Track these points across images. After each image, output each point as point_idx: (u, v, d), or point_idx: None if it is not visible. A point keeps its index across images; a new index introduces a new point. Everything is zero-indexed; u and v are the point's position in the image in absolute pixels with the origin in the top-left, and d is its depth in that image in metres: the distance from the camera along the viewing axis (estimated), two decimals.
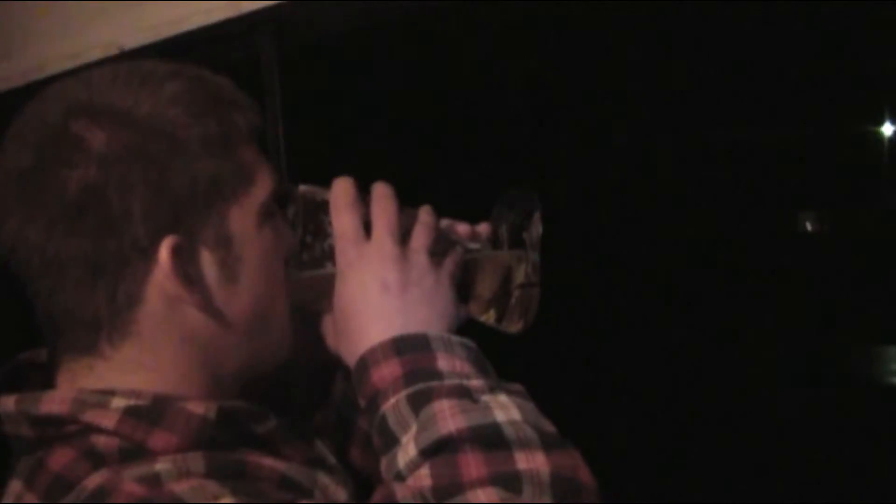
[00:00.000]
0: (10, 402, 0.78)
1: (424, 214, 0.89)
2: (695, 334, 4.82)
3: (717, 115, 4.80)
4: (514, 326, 0.93)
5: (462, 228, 0.93)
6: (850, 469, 3.93)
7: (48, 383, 0.82)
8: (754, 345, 4.88)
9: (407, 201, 0.89)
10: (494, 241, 0.94)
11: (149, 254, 0.76)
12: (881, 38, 3.91)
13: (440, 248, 0.88)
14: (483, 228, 0.94)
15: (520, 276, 0.93)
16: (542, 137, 4.13)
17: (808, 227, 5.36)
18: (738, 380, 4.68)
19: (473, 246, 0.93)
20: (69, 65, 1.90)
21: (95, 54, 1.88)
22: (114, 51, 1.87)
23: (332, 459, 0.86)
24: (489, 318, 0.94)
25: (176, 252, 0.76)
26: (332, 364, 0.93)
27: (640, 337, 4.73)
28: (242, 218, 0.80)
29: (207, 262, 0.79)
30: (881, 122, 4.86)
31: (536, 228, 0.92)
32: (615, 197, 4.75)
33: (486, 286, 0.94)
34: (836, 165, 4.90)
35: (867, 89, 4.59)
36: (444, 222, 0.92)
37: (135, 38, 1.86)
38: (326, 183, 0.89)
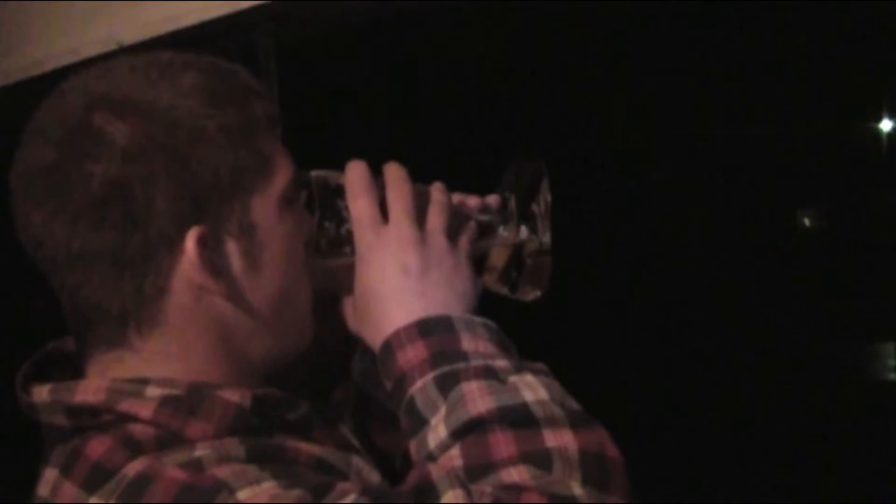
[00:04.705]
0: (43, 392, 0.79)
1: (437, 193, 0.89)
2: (690, 330, 4.83)
3: (714, 112, 4.80)
4: (529, 296, 0.94)
5: (472, 202, 0.93)
6: (848, 466, 3.94)
7: (77, 373, 0.82)
8: (750, 341, 4.89)
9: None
10: (504, 212, 0.94)
11: (174, 245, 0.77)
12: (879, 33, 3.92)
13: (455, 225, 0.88)
14: (492, 200, 0.94)
15: (532, 244, 0.94)
16: (541, 132, 4.13)
17: (807, 223, 5.37)
18: (734, 376, 4.69)
19: (484, 218, 0.93)
20: (68, 60, 1.91)
21: (94, 50, 1.89)
22: (113, 46, 1.87)
23: (356, 443, 0.87)
24: (504, 288, 0.95)
25: (201, 242, 0.77)
26: (351, 344, 0.94)
27: (636, 332, 4.74)
28: (264, 206, 0.81)
29: (232, 251, 0.80)
30: (879, 119, 4.86)
31: (545, 195, 0.93)
32: (611, 193, 4.75)
33: (499, 257, 0.95)
34: (834, 162, 4.91)
35: (865, 85, 4.59)
36: (455, 197, 0.92)
37: (133, 34, 1.86)
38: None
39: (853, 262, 5.15)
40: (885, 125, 4.87)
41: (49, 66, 1.97)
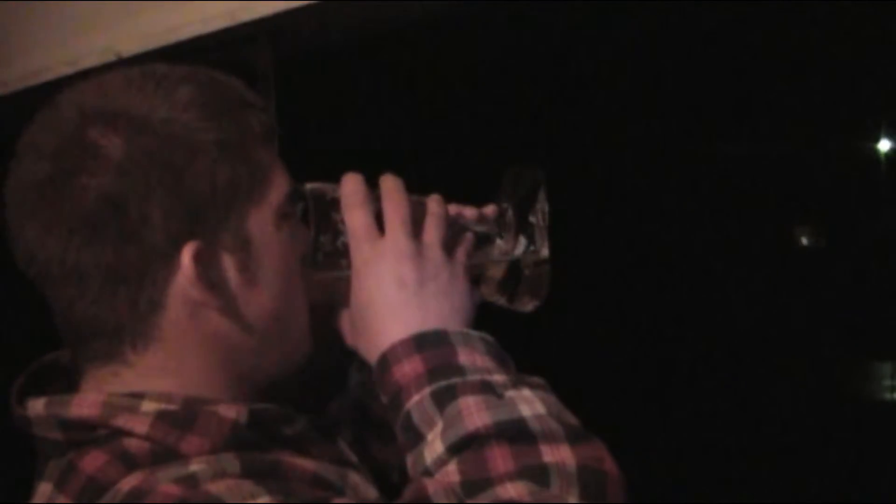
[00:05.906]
0: (39, 405, 0.78)
1: (434, 205, 0.88)
2: (687, 346, 4.82)
3: (715, 130, 4.82)
4: (527, 306, 0.93)
5: (469, 212, 0.92)
6: (846, 484, 3.93)
7: (72, 386, 0.81)
8: (748, 359, 4.88)
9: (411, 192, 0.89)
10: (502, 222, 0.93)
11: (169, 260, 0.75)
12: (878, 54, 3.93)
13: (452, 237, 0.88)
14: (490, 210, 0.93)
15: (530, 255, 0.93)
16: (537, 146, 4.14)
17: (804, 241, 5.38)
18: (732, 394, 4.69)
19: (481, 229, 0.92)
20: (66, 71, 1.91)
21: (92, 61, 1.89)
22: (111, 57, 1.87)
23: (354, 458, 0.86)
24: (502, 299, 0.94)
25: (197, 257, 0.76)
26: (348, 357, 0.93)
27: (635, 348, 4.74)
28: (261, 220, 0.80)
29: (228, 265, 0.78)
30: (878, 139, 4.88)
31: (543, 204, 0.92)
32: (612, 208, 4.76)
33: (496, 268, 0.94)
34: (832, 180, 4.92)
35: (864, 105, 4.61)
36: (452, 208, 0.91)
37: (132, 45, 1.86)
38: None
39: (850, 279, 5.15)
40: (883, 145, 4.89)
41: (47, 76, 1.97)
